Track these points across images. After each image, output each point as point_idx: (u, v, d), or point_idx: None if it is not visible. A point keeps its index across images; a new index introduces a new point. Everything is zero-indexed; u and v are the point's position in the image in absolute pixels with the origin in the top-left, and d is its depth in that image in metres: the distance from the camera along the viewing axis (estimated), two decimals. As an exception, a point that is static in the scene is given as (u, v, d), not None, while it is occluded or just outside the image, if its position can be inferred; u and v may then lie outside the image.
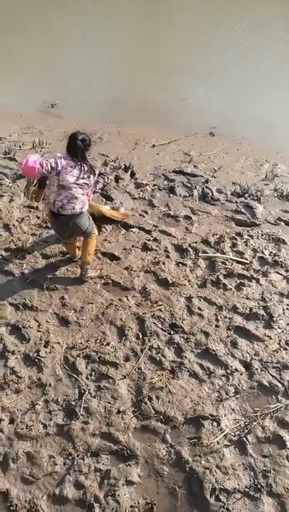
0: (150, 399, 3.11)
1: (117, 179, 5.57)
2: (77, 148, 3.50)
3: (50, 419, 2.98)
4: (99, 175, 3.77)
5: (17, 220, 4.67)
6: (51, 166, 3.39)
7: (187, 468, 2.76)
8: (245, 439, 2.91)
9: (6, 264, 4.17)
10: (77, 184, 3.53)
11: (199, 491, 2.65)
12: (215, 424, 3.00)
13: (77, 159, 3.51)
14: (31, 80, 8.46)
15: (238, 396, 3.19)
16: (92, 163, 3.69)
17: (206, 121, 7.52)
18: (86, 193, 3.69)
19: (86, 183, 3.60)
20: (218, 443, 2.88)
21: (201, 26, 11.44)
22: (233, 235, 4.78)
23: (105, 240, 4.56)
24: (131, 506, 2.57)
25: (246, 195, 5.50)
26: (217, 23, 11.76)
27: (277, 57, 10.02)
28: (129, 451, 2.82)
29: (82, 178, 3.55)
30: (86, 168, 3.55)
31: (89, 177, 3.60)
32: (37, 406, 3.05)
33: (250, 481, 2.71)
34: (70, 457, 2.78)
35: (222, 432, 2.93)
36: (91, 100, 7.92)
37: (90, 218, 3.91)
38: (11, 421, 2.97)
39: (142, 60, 9.48)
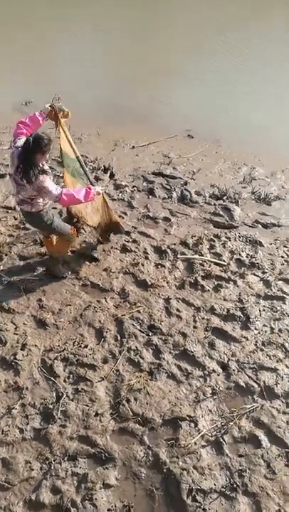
0: (128, 401, 3.11)
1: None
2: (25, 147, 3.15)
3: (27, 424, 2.94)
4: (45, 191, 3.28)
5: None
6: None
7: (164, 470, 2.76)
8: (221, 439, 2.95)
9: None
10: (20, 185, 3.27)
11: (176, 492, 2.66)
12: (192, 425, 3.02)
13: (20, 159, 3.18)
14: (9, 77, 8.33)
15: (215, 397, 3.23)
16: (37, 173, 3.18)
17: (186, 123, 7.59)
18: (31, 197, 3.34)
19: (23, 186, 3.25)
20: (195, 444, 2.90)
21: (194, 27, 11.54)
22: (211, 236, 4.84)
23: (84, 241, 4.54)
24: (108, 510, 2.56)
25: (224, 198, 5.58)
26: (213, 24, 11.86)
27: (261, 60, 10.19)
28: (106, 454, 2.81)
29: (22, 180, 3.22)
30: (21, 174, 3.17)
31: (24, 185, 3.23)
32: (13, 410, 3.00)
33: (226, 480, 2.74)
34: (47, 462, 2.75)
35: (199, 433, 2.96)
36: (70, 100, 7.82)
37: (56, 221, 3.65)
38: (-13, 426, 2.92)
39: (125, 61, 9.51)
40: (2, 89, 8.04)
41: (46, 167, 3.35)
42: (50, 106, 3.64)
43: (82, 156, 6.06)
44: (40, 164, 3.24)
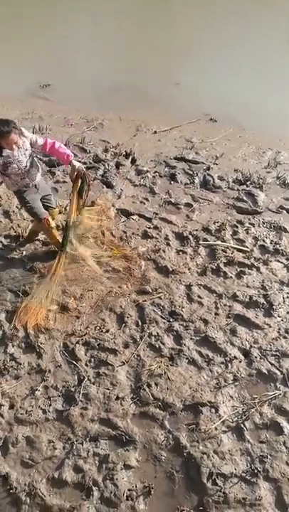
0: (149, 385, 3.13)
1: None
2: None
3: (50, 405, 3.01)
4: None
5: (17, 207, 4.65)
6: None
7: (185, 454, 2.78)
8: (242, 426, 2.94)
9: (5, 250, 4.16)
10: None
11: (196, 475, 2.68)
12: (213, 410, 3.02)
13: None
14: (30, 63, 8.33)
15: (236, 383, 3.21)
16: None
17: (209, 107, 7.41)
18: None
19: None
20: (216, 429, 2.90)
21: (207, 13, 11.22)
22: (234, 222, 4.75)
23: (106, 228, 4.54)
24: (129, 489, 2.61)
25: (248, 183, 5.45)
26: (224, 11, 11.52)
27: (281, 44, 9.82)
28: (127, 437, 2.85)
29: None
30: None
31: None
32: (36, 392, 3.07)
33: (247, 466, 2.73)
34: (69, 442, 2.82)
35: (220, 419, 2.95)
36: (91, 86, 7.82)
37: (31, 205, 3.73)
38: (11, 406, 3.00)
39: (143, 46, 9.31)
40: (21, 70, 8.05)
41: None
42: (78, 167, 3.59)
43: (103, 141, 6.11)
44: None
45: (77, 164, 3.58)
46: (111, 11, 11.15)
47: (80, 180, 3.62)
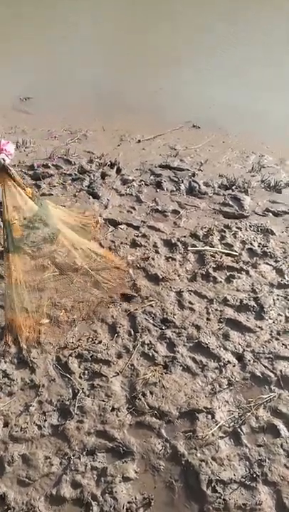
0: (144, 395, 3.11)
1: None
2: None
3: (45, 420, 2.97)
4: None
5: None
6: None
7: (183, 462, 2.77)
8: (239, 430, 2.93)
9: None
10: None
11: (196, 483, 2.66)
12: (209, 416, 3.01)
13: None
14: (5, 71, 8.35)
15: (231, 388, 3.21)
16: None
17: (192, 114, 7.50)
18: None
19: None
20: (213, 435, 2.89)
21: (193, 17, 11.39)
22: (222, 227, 4.79)
23: (93, 237, 4.54)
24: (128, 502, 2.58)
25: (233, 188, 5.52)
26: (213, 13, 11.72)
27: (263, 44, 10.02)
28: (124, 448, 2.82)
29: None
30: None
31: None
32: (31, 408, 3.03)
33: (245, 470, 2.73)
34: (66, 457, 2.78)
35: (217, 424, 2.95)
36: (72, 96, 7.85)
37: None
38: (5, 424, 2.95)
39: (124, 52, 9.42)
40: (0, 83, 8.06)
41: None
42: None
43: (88, 152, 6.13)
44: None
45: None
46: (93, 16, 11.26)
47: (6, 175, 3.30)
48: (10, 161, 3.32)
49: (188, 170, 5.89)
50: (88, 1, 12.34)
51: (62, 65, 8.95)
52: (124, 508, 2.55)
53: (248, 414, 3.01)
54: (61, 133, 6.82)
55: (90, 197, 5.17)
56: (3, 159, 3.31)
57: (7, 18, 11.03)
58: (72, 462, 2.75)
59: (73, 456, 2.78)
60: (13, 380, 3.20)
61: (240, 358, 3.43)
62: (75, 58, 9.16)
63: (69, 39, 9.97)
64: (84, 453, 2.80)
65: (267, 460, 2.77)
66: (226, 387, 3.21)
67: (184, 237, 4.61)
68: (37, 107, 7.63)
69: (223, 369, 3.33)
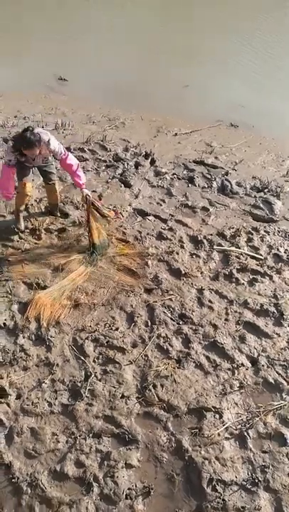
0: (155, 386, 3.14)
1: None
2: None
3: (56, 398, 3.04)
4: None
5: (35, 200, 4.70)
6: None
7: (186, 457, 2.79)
8: (246, 434, 2.93)
9: (21, 243, 4.21)
10: None
11: (197, 479, 2.68)
12: (217, 416, 3.02)
13: None
14: (51, 58, 8.42)
15: (242, 391, 3.20)
16: None
17: (232, 112, 7.41)
18: None
19: None
20: (218, 435, 2.90)
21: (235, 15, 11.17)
22: (250, 229, 4.74)
23: (120, 226, 4.57)
24: (129, 488, 2.62)
25: (266, 191, 5.43)
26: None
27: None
28: (130, 436, 2.86)
29: None
30: None
31: None
32: (43, 384, 3.11)
33: (248, 474, 2.73)
34: (73, 436, 2.84)
35: (224, 425, 2.95)
36: (114, 85, 7.83)
37: None
38: (18, 396, 3.04)
39: (168, 47, 9.33)
40: (43, 65, 8.17)
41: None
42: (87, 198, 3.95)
43: (124, 140, 6.14)
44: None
45: (85, 192, 3.95)
46: (141, 9, 11.16)
47: (90, 205, 3.96)
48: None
49: (222, 168, 5.83)
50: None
51: (98, 53, 8.92)
52: (124, 493, 2.60)
53: (257, 419, 3.00)
54: (100, 118, 6.84)
55: (122, 185, 5.19)
56: (88, 195, 3.93)
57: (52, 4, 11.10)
58: (78, 442, 2.81)
59: (80, 436, 2.84)
60: (29, 356, 3.28)
61: (254, 362, 3.41)
62: (109, 48, 9.11)
63: (106, 30, 9.94)
64: (90, 435, 2.86)
65: (271, 467, 2.76)
66: (236, 389, 3.21)
67: (211, 235, 4.58)
68: (76, 91, 7.67)
69: (236, 371, 3.32)
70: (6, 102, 7.05)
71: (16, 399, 3.02)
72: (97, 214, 4.09)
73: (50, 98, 7.41)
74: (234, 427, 2.97)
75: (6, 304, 3.64)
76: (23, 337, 3.40)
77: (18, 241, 4.22)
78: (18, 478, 2.62)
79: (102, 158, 5.63)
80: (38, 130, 3.69)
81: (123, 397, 3.07)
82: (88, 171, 5.37)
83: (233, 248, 4.42)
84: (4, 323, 3.48)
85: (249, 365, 3.38)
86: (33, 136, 3.54)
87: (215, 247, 4.43)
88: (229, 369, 3.33)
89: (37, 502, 2.54)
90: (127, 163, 5.54)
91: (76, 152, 5.65)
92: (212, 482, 2.67)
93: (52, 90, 7.69)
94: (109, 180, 5.27)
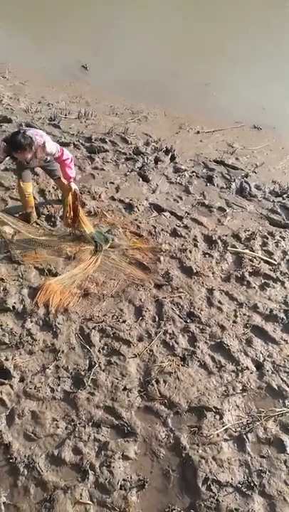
0: (157, 382, 3.14)
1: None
2: None
3: (58, 385, 3.06)
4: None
5: (53, 187, 4.72)
6: None
7: (183, 454, 2.79)
8: (245, 437, 2.91)
9: (36, 228, 4.24)
10: None
11: (192, 477, 2.68)
12: (217, 417, 3.01)
13: None
14: (77, 46, 8.41)
15: (244, 394, 3.18)
16: None
17: (256, 114, 7.32)
18: None
19: None
20: (217, 435, 2.89)
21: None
22: (265, 233, 4.69)
23: (136, 219, 4.56)
24: (124, 479, 2.63)
25: (284, 196, 5.37)
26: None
27: None
28: (129, 428, 2.87)
29: None
30: None
31: None
32: (47, 370, 3.13)
33: (244, 477, 2.72)
34: (72, 423, 2.86)
35: (223, 426, 2.94)
36: (139, 78, 7.78)
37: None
38: (21, 379, 3.07)
39: (192, 45, 9.21)
40: (67, 52, 8.14)
41: None
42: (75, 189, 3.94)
43: (145, 134, 6.12)
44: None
45: (73, 186, 3.92)
46: (169, 5, 11.07)
47: (74, 199, 3.95)
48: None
49: (242, 170, 5.78)
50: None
51: (124, 46, 8.86)
52: (119, 484, 2.61)
53: (257, 423, 2.98)
54: (123, 111, 6.83)
55: (140, 179, 5.18)
56: (76, 189, 3.93)
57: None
58: (77, 429, 2.83)
59: (79, 424, 2.86)
60: (36, 340, 3.31)
61: (259, 366, 3.39)
62: (135, 42, 9.04)
63: (132, 23, 9.86)
64: (90, 424, 2.88)
65: (267, 472, 2.75)
66: (239, 391, 3.19)
67: (226, 236, 4.55)
68: (101, 81, 7.65)
69: (240, 374, 3.30)
70: (31, 87, 7.08)
71: (19, 381, 3.06)
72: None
73: (75, 86, 7.41)
74: (234, 429, 2.95)
75: (16, 287, 3.67)
76: (31, 321, 3.43)
77: (32, 226, 4.24)
78: (15, 458, 2.65)
79: (123, 151, 5.62)
80: (31, 132, 3.53)
81: (125, 390, 3.08)
82: (108, 162, 5.37)
83: (247, 251, 4.38)
84: (13, 306, 3.52)
85: (254, 369, 3.36)
86: (24, 140, 3.38)
87: (229, 248, 4.40)
88: (233, 371, 3.31)
89: (33, 484, 2.57)
90: (147, 158, 5.52)
91: (97, 142, 5.66)
92: (207, 481, 2.67)
93: (77, 79, 7.69)
94: (128, 173, 5.26)
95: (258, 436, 2.93)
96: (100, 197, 4.76)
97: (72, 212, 4.00)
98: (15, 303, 3.55)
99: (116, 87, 7.52)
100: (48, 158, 3.92)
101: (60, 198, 4.62)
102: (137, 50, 8.63)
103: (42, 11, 9.78)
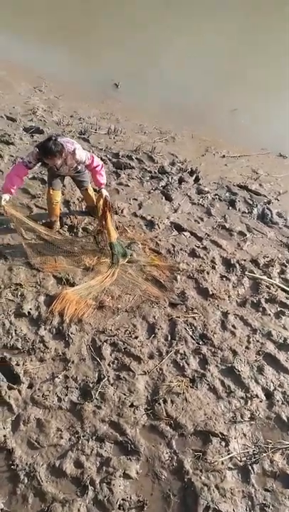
0: (165, 401, 3.11)
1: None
2: None
3: (66, 395, 3.06)
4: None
5: (78, 199, 4.81)
6: None
7: (186, 479, 2.73)
8: (250, 468, 2.84)
9: (58, 237, 4.30)
10: None
11: (193, 504, 2.61)
12: (223, 443, 2.95)
13: None
14: (109, 65, 8.67)
15: (252, 422, 3.12)
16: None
17: (282, 143, 7.35)
18: None
19: None
20: (222, 463, 2.83)
21: None
22: (284, 261, 4.65)
23: (156, 237, 4.60)
24: (123, 499, 2.59)
25: (306, 225, 5.33)
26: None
27: None
28: (133, 446, 2.84)
29: None
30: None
31: None
32: (56, 379, 3.14)
33: (246, 510, 2.64)
34: (76, 435, 2.84)
35: (229, 454, 2.87)
36: (170, 99, 7.95)
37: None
38: (30, 386, 3.08)
39: (225, 71, 9.39)
40: (102, 70, 8.42)
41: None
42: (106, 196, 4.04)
43: (172, 154, 6.21)
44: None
45: (104, 192, 4.01)
46: (206, 30, 11.32)
47: (104, 206, 4.04)
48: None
49: (265, 196, 5.78)
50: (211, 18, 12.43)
51: (157, 67, 9.09)
52: (118, 503, 2.57)
53: (264, 454, 2.90)
54: (151, 130, 6.97)
55: (163, 197, 5.24)
56: (107, 195, 4.02)
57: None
58: (80, 442, 2.81)
59: (83, 436, 2.84)
60: (48, 348, 3.33)
61: (269, 395, 3.31)
62: (168, 65, 9.27)
63: (166, 47, 10.13)
64: (93, 437, 2.85)
65: (271, 507, 2.66)
66: (247, 419, 3.12)
67: (244, 260, 4.53)
68: (132, 100, 7.84)
69: (249, 401, 3.24)
70: (65, 101, 7.31)
71: (27, 388, 3.07)
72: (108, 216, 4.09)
73: (107, 103, 7.62)
74: (239, 458, 2.88)
75: (33, 293, 3.73)
76: (45, 329, 3.46)
77: (55, 235, 4.32)
78: (17, 465, 2.64)
79: (148, 169, 5.71)
80: (62, 140, 3.67)
81: (132, 406, 3.05)
82: (133, 178, 5.46)
83: (264, 277, 4.35)
84: (29, 312, 3.56)
85: (263, 397, 3.29)
86: (54, 146, 3.52)
87: (246, 273, 4.37)
88: (242, 398, 3.25)
89: (32, 493, 2.55)
90: (172, 177, 5.59)
91: (124, 159, 5.77)
92: (208, 510, 2.59)
93: (109, 96, 7.92)
94: (152, 190, 5.33)
95: (264, 469, 2.85)
96: (122, 212, 4.83)
97: (101, 218, 4.08)
98: (31, 309, 3.60)
99: (146, 107, 7.71)
100: (79, 168, 4.02)
101: (83, 209, 4.71)
102: (169, 73, 8.85)
103: (81, 28, 10.18)
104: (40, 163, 3.85)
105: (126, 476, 2.71)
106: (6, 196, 3.77)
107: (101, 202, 4.03)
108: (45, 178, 4.17)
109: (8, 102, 6.97)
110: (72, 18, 10.93)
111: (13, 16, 10.43)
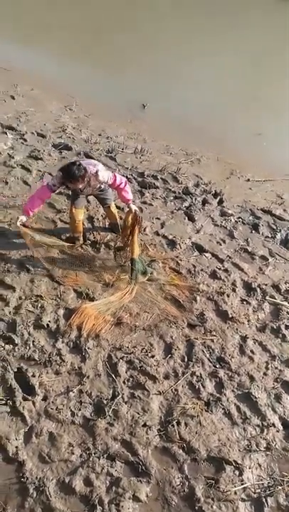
0: (178, 423, 3.05)
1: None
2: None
3: (79, 410, 3.05)
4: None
5: (102, 215, 4.89)
6: None
7: (196, 507, 2.65)
8: (264, 500, 2.74)
9: (81, 252, 4.36)
10: None
11: (203, 534, 2.54)
12: (237, 472, 2.86)
13: None
14: (140, 88, 8.88)
15: (268, 453, 3.02)
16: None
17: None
18: None
19: None
20: (235, 493, 2.74)
21: None
22: (307, 288, 4.57)
23: (177, 256, 4.60)
24: (131, 522, 2.53)
25: None
26: None
27: None
28: (144, 467, 2.79)
29: None
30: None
31: None
32: (71, 393, 3.14)
33: None
34: (88, 452, 2.82)
35: (242, 484, 2.79)
36: (196, 122, 8.04)
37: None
38: (44, 398, 3.09)
39: (251, 95, 9.46)
40: (129, 89, 8.62)
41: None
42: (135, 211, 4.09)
43: (196, 176, 6.25)
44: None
45: (133, 207, 4.06)
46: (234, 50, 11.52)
47: (133, 221, 4.05)
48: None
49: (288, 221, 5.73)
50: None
51: (184, 91, 9.24)
52: (126, 526, 2.51)
53: (279, 488, 2.80)
54: (177, 151, 7.05)
55: (186, 218, 5.26)
56: (137, 210, 4.08)
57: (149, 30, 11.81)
58: (91, 459, 2.79)
59: (94, 454, 2.82)
60: (64, 361, 3.34)
61: (286, 425, 3.21)
62: (196, 87, 9.40)
63: (195, 70, 10.32)
64: (104, 455, 2.82)
65: None
66: (263, 449, 3.03)
67: (265, 285, 4.47)
68: (159, 121, 7.97)
69: (266, 430, 3.14)
70: (94, 120, 7.51)
71: (42, 400, 3.08)
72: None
73: (134, 124, 7.78)
74: (253, 490, 2.79)
75: (53, 306, 3.77)
76: (62, 342, 3.48)
77: (78, 250, 4.38)
78: (27, 478, 2.63)
79: (172, 189, 5.76)
80: (85, 162, 3.78)
81: (145, 426, 3.01)
82: (157, 198, 5.52)
83: (285, 303, 4.28)
84: (48, 324, 3.60)
85: (280, 427, 3.19)
86: (78, 171, 3.59)
87: (267, 298, 4.31)
88: (258, 426, 3.17)
89: (40, 508, 2.53)
90: (195, 198, 5.62)
91: (149, 179, 5.85)
92: None
93: (137, 117, 8.08)
94: (175, 211, 5.37)
95: (278, 502, 2.75)
96: (144, 230, 4.86)
97: (129, 233, 4.10)
98: (49, 321, 3.63)
99: (173, 129, 7.81)
100: (102, 187, 4.09)
101: (107, 226, 4.77)
102: (194, 94, 8.98)
103: (112, 49, 10.52)
104: (64, 186, 3.93)
105: (135, 498, 2.65)
106: (23, 218, 3.89)
107: (130, 217, 4.07)
108: (70, 193, 4.25)
109: (40, 119, 7.21)
110: (105, 39, 11.31)
111: (47, 33, 10.87)
